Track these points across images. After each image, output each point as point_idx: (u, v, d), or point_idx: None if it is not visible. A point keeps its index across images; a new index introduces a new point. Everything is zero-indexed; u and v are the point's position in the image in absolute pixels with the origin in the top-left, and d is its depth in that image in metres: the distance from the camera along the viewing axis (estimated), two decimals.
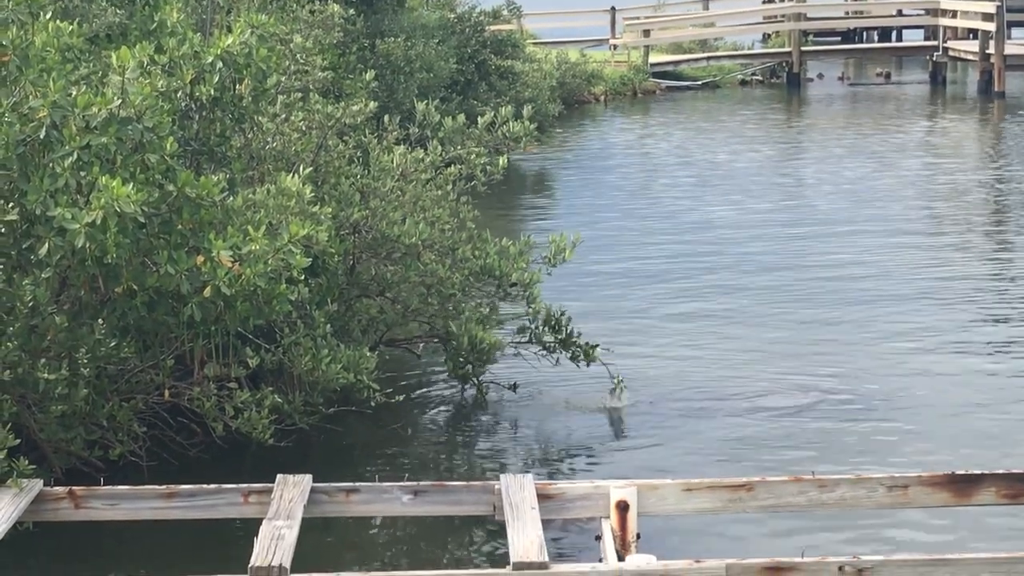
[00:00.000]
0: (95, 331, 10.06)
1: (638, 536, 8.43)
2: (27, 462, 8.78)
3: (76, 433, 10.30)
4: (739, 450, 11.95)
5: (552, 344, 13.15)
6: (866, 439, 12.21)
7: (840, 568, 7.65)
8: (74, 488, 8.74)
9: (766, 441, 12.17)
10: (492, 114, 13.70)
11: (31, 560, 9.28)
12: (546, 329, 13.11)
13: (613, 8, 50.45)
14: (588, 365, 13.16)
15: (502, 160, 13.41)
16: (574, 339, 13.06)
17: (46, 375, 9.67)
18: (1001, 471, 8.75)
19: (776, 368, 14.31)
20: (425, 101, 13.75)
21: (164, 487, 8.72)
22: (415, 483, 8.82)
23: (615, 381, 13.03)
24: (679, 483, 8.66)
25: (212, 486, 8.73)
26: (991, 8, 40.77)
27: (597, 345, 13.19)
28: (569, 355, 13.11)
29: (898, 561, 7.76)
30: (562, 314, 13.13)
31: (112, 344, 10.13)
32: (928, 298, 17.24)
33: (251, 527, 8.24)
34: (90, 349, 10.03)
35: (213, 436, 10.87)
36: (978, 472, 8.74)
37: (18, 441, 9.00)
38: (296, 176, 11.02)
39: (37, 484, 8.70)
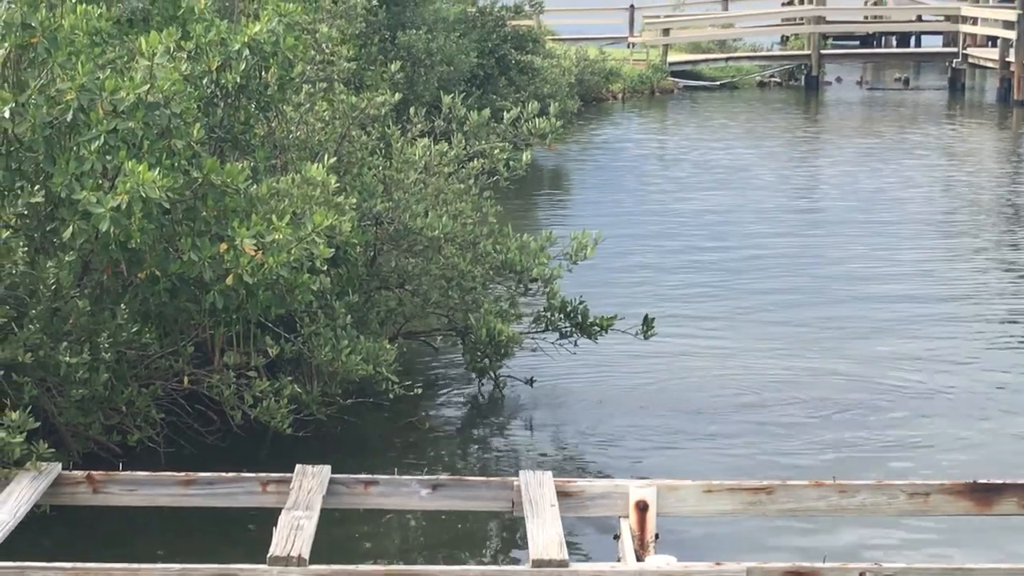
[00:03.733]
0: (117, 316, 10.04)
1: (657, 536, 8.40)
2: (46, 445, 8.77)
3: (95, 418, 10.28)
4: (759, 451, 11.92)
5: (568, 330, 13.14)
6: (888, 444, 12.17)
7: (861, 574, 7.61)
8: (92, 472, 8.73)
9: (787, 443, 12.14)
10: (518, 110, 13.68)
11: (48, 543, 9.26)
12: (562, 316, 13.10)
13: (632, 6, 50.45)
14: (607, 332, 13.15)
15: (526, 155, 13.39)
16: (590, 321, 13.05)
17: (67, 359, 9.65)
18: (1023, 481, 8.70)
19: (797, 369, 14.29)
20: (451, 94, 13.72)
21: (183, 474, 8.69)
22: (434, 477, 8.79)
23: (644, 323, 13.12)
24: (699, 484, 8.62)
25: (231, 474, 8.71)
26: (1012, 16, 40.66)
27: (614, 316, 13.16)
28: (587, 335, 13.11)
29: (919, 569, 7.74)
30: (580, 303, 13.12)
31: (133, 329, 10.11)
32: (948, 304, 17.20)
33: (269, 516, 8.21)
34: (111, 334, 10.00)
35: (231, 424, 10.85)
36: (1000, 482, 8.69)
37: (38, 424, 8.98)
38: (320, 165, 11.00)
39: (56, 468, 8.69)
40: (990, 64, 42.47)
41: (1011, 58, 40.19)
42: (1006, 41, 40.62)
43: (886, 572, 7.62)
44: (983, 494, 8.62)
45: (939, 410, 13.12)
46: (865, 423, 12.73)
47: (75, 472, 8.74)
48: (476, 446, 12.31)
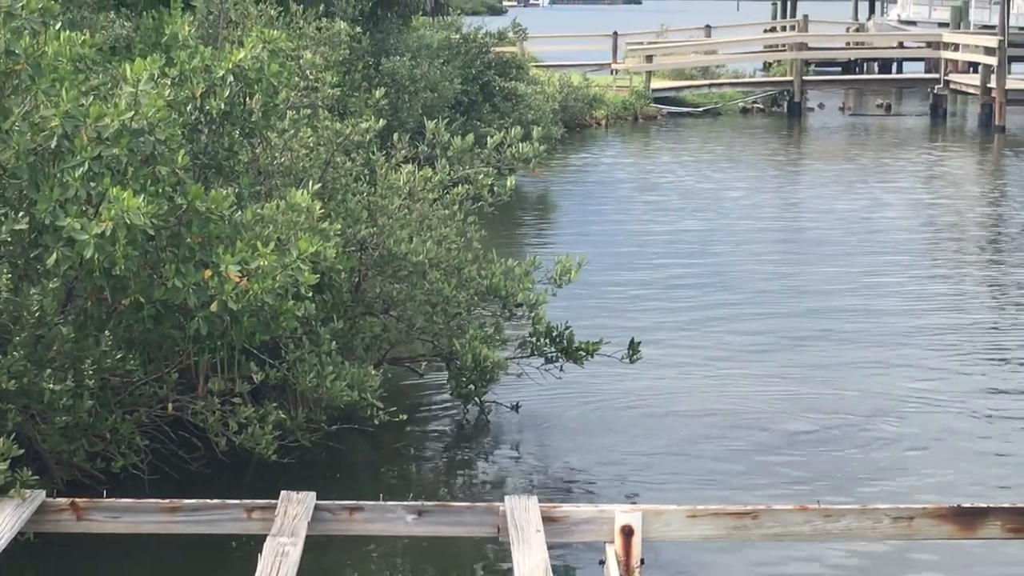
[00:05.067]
0: (101, 343, 10.02)
1: (642, 561, 8.39)
2: (30, 472, 8.74)
3: (79, 445, 10.25)
4: (744, 475, 11.92)
5: (554, 355, 13.16)
6: (872, 467, 12.19)
7: None
8: (76, 500, 8.69)
9: (771, 467, 12.15)
10: (502, 135, 13.71)
11: (32, 571, 9.24)
12: (547, 341, 13.12)
13: (615, 33, 50.67)
14: (592, 356, 13.16)
15: (510, 181, 13.42)
16: (575, 345, 13.07)
17: (51, 386, 9.62)
18: (1007, 504, 8.72)
19: (780, 394, 14.30)
20: (435, 120, 13.75)
21: (167, 501, 8.67)
22: (419, 503, 8.77)
23: (630, 348, 13.16)
24: (684, 509, 8.62)
25: (215, 501, 8.68)
26: (993, 42, 40.88)
27: (600, 340, 13.18)
28: (573, 360, 13.14)
29: None
30: (566, 328, 13.13)
31: (118, 356, 10.08)
32: (931, 327, 17.23)
33: (254, 543, 8.20)
34: (95, 361, 9.97)
35: (215, 451, 10.82)
36: (984, 505, 8.71)
37: (21, 452, 8.95)
38: (305, 192, 11.00)
39: (39, 495, 8.66)
40: (971, 90, 42.66)
41: (992, 84, 40.38)
42: (987, 67, 40.82)
43: None
44: (967, 518, 8.62)
45: (923, 433, 13.14)
46: (849, 446, 12.74)
47: (59, 499, 8.71)
48: (461, 472, 12.30)
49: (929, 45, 48.00)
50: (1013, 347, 16.46)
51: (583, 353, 13.12)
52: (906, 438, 12.99)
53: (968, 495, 11.06)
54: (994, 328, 17.53)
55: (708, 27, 54.22)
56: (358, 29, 20.82)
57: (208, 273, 9.57)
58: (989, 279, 20.64)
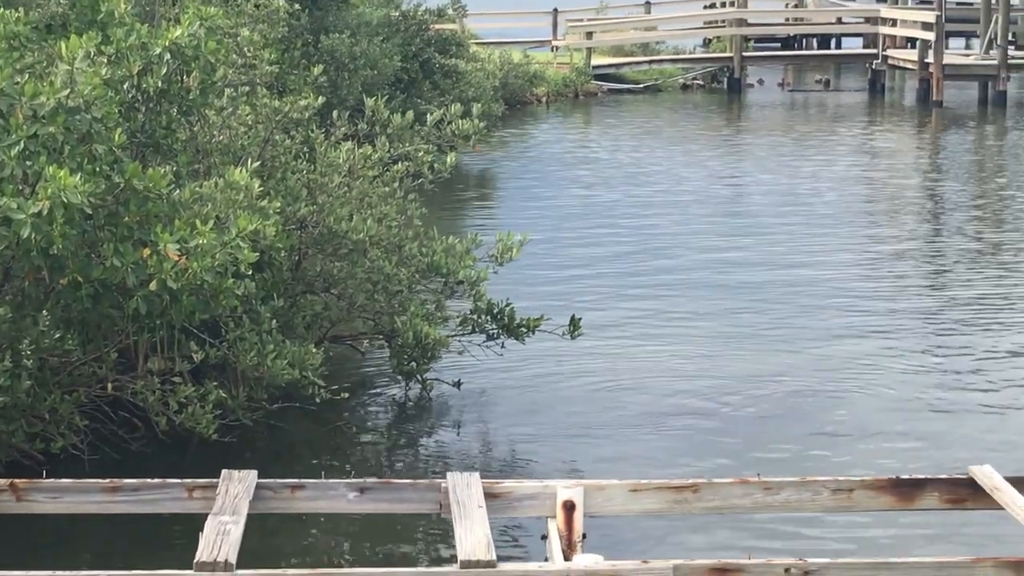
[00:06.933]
0: (39, 322, 9.95)
1: (584, 536, 8.43)
2: None
3: (17, 425, 10.18)
4: (686, 449, 12.01)
5: (495, 331, 13.18)
6: (814, 441, 12.29)
7: (786, 570, 7.66)
8: (16, 481, 8.61)
9: (714, 440, 12.23)
10: (442, 112, 13.70)
11: None
12: (488, 318, 13.13)
13: (555, 9, 50.55)
14: (533, 333, 13.18)
15: (451, 158, 13.42)
16: (516, 322, 13.09)
17: None
18: (944, 476, 8.80)
19: (720, 368, 14.39)
20: (375, 97, 13.72)
21: (107, 481, 8.60)
22: (361, 480, 8.74)
23: (570, 324, 13.17)
24: (626, 484, 8.65)
25: (156, 481, 8.63)
26: (930, 17, 41.15)
27: (541, 317, 13.21)
28: (514, 337, 13.16)
29: (843, 564, 7.79)
30: (506, 305, 13.15)
31: (56, 336, 10.02)
32: (870, 301, 17.39)
33: (196, 522, 8.16)
34: (33, 341, 9.91)
35: (155, 430, 10.78)
36: (921, 477, 8.78)
37: None
38: (244, 170, 10.96)
39: None
40: (909, 65, 42.92)
41: (930, 59, 40.65)
42: (925, 42, 41.07)
43: (810, 567, 7.68)
44: (905, 489, 8.69)
45: (862, 407, 13.26)
46: (790, 419, 12.84)
47: None
48: (403, 449, 12.31)
49: (867, 20, 48.27)
50: (951, 322, 16.64)
51: (524, 330, 13.15)
52: (846, 412, 13.10)
53: (906, 467, 11.18)
54: (931, 300, 17.71)
55: (648, 3, 54.20)
56: (296, 6, 20.75)
57: (147, 252, 9.52)
58: (925, 252, 20.83)
